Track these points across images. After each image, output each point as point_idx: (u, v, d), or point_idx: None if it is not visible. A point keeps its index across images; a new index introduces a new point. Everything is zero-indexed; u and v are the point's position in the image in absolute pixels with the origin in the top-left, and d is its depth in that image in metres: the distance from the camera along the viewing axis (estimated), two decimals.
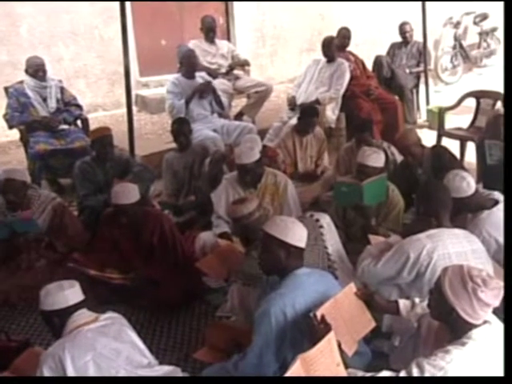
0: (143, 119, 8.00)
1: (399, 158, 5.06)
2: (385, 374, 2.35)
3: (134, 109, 6.98)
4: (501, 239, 3.56)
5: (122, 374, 2.65)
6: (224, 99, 6.47)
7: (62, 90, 6.11)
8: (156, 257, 4.18)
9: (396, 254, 3.23)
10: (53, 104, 5.97)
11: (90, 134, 5.37)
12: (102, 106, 8.38)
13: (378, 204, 4.20)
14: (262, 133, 6.36)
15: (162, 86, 7.86)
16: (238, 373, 2.80)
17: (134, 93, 7.25)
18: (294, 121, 6.34)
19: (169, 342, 3.73)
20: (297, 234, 2.85)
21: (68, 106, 6.09)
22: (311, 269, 2.96)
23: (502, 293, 2.34)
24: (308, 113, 5.78)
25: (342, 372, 2.29)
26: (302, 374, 2.15)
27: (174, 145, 5.47)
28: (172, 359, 3.46)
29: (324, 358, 2.24)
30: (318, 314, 2.58)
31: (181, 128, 5.30)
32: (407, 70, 7.82)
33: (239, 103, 7.65)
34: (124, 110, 6.08)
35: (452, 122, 6.84)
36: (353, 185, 4.11)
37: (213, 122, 6.30)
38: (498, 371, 2.27)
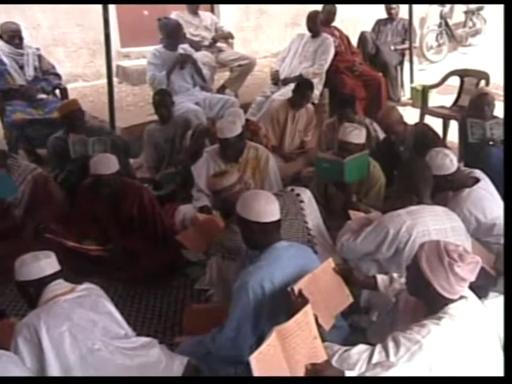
0: (124, 91, 7.89)
1: (381, 134, 5.05)
2: (361, 347, 2.36)
3: (115, 80, 6.87)
4: (481, 217, 3.59)
5: (99, 345, 2.64)
6: (206, 72, 6.38)
7: (40, 58, 5.95)
8: (135, 229, 4.14)
9: (376, 230, 3.24)
10: (30, 72, 5.83)
11: (58, 110, 5.17)
12: (82, 77, 8.22)
13: (359, 180, 4.19)
14: (245, 107, 6.29)
15: (143, 57, 7.73)
16: (216, 346, 2.80)
17: (114, 64, 7.11)
18: (278, 95, 6.33)
19: (147, 314, 3.73)
20: (257, 210, 2.78)
21: (46, 74, 5.95)
22: (290, 242, 2.95)
23: (478, 268, 2.36)
24: (303, 87, 5.73)
25: (318, 345, 2.29)
26: (278, 347, 2.14)
27: (155, 117, 5.42)
28: (150, 331, 3.46)
29: (301, 330, 2.23)
30: (296, 288, 2.57)
31: (162, 100, 5.24)
32: (392, 47, 7.78)
33: (222, 76, 7.56)
34: (104, 80, 5.98)
35: (436, 100, 6.84)
36: (334, 161, 4.09)
37: (195, 94, 6.22)
38: (474, 346, 2.28)
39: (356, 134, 4.22)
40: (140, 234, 4.14)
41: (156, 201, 4.35)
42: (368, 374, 1.75)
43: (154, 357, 2.80)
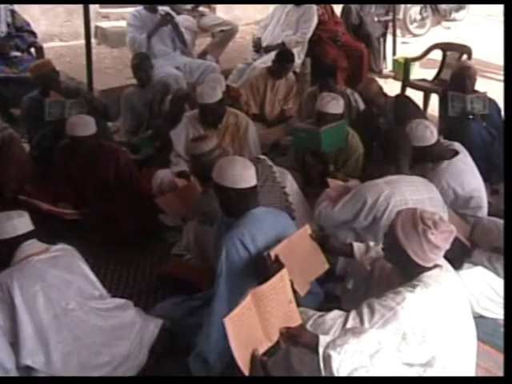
0: (103, 52, 7.71)
1: (362, 105, 5.03)
2: (335, 313, 2.38)
3: (94, 41, 6.74)
4: (459, 189, 3.62)
5: (73, 305, 2.63)
6: (187, 36, 6.30)
7: (13, 13, 5.78)
8: (111, 192, 4.09)
9: (353, 198, 3.24)
10: (2, 28, 5.65)
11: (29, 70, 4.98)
12: (59, 36, 8.00)
13: (336, 150, 4.18)
14: (226, 73, 6.23)
15: (123, 18, 7.58)
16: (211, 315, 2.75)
17: (93, 24, 6.96)
18: (259, 62, 6.26)
19: (122, 277, 3.71)
20: (232, 177, 2.76)
21: (20, 31, 5.77)
22: (268, 208, 2.94)
23: (452, 237, 2.37)
24: (284, 57, 5.68)
25: (293, 309, 2.30)
26: (253, 309, 2.14)
27: (134, 80, 5.33)
28: (125, 294, 3.43)
29: (276, 294, 2.23)
30: (272, 253, 2.58)
31: (141, 63, 5.17)
32: (375, 19, 7.72)
33: (203, 42, 7.45)
34: (82, 41, 5.82)
35: (418, 73, 6.83)
36: (310, 130, 4.09)
37: (175, 59, 6.14)
38: (447, 314, 2.31)
39: (334, 105, 4.21)
40: (116, 198, 4.09)
41: (133, 164, 4.31)
42: (338, 341, 1.75)
43: (128, 318, 2.81)
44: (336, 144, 4.13)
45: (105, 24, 8.21)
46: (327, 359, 1.73)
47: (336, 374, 1.66)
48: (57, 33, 7.97)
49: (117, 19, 8.24)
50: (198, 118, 4.44)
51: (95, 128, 3.99)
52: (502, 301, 3.18)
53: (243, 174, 2.79)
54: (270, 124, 5.64)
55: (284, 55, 5.71)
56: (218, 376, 2.71)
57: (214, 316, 2.69)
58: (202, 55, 7.05)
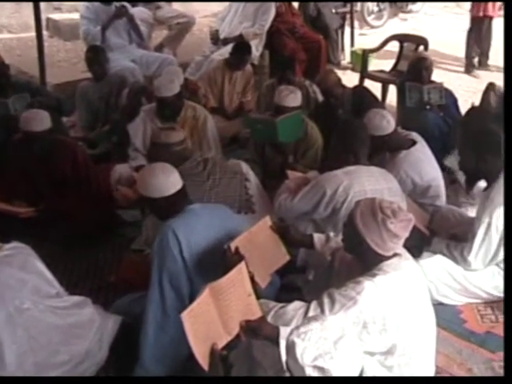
0: (56, 45, 7.55)
1: (321, 96, 5.05)
2: (296, 304, 2.38)
3: (45, 34, 6.57)
4: (417, 179, 3.66)
5: (28, 304, 2.56)
6: (143, 29, 6.22)
7: None
8: (68, 188, 4.01)
9: (313, 189, 3.24)
10: None
11: None
12: (7, 27, 7.80)
13: (296, 141, 4.18)
14: (183, 67, 6.16)
15: (76, 10, 7.42)
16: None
17: (44, 16, 6.78)
18: (217, 55, 6.22)
19: (80, 274, 3.65)
20: (158, 186, 2.74)
21: None
22: (202, 204, 2.94)
23: (411, 225, 2.39)
24: (241, 49, 5.67)
25: (253, 302, 2.28)
26: (211, 303, 2.12)
27: (90, 74, 5.25)
28: (83, 291, 3.36)
29: (234, 287, 2.21)
30: (232, 245, 2.56)
31: (95, 56, 5.09)
32: (333, 10, 7.75)
33: (160, 35, 7.37)
34: (33, 33, 5.69)
35: (375, 65, 6.89)
36: (266, 121, 4.09)
37: (131, 52, 6.07)
38: (407, 303, 2.32)
39: (291, 98, 4.21)
40: (73, 194, 4.01)
41: (90, 159, 4.23)
42: (302, 328, 1.75)
43: (87, 316, 2.76)
44: (293, 134, 4.14)
45: (57, 16, 8.03)
46: (291, 346, 1.73)
47: (300, 360, 1.67)
48: (5, 24, 7.77)
49: (69, 11, 8.07)
50: (155, 112, 4.40)
51: (50, 123, 3.90)
52: (460, 287, 3.24)
53: (168, 181, 2.77)
54: (229, 117, 5.61)
55: (241, 47, 5.70)
56: (218, 376, 2.70)
57: (148, 314, 2.68)
58: (159, 48, 6.96)
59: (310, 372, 1.67)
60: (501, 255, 3.17)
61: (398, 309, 2.29)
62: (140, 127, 4.41)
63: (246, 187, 3.45)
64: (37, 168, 4.01)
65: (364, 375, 1.78)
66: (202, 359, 2.07)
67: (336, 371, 1.67)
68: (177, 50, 7.12)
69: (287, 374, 2.06)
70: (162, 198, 2.75)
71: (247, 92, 5.78)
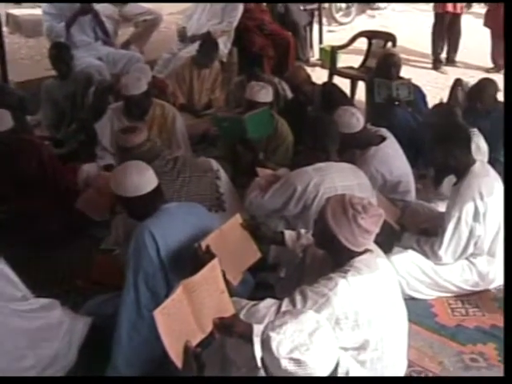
0: (17, 42, 7.39)
1: (290, 93, 5.05)
2: (268, 301, 2.37)
3: (5, 30, 6.42)
4: (387, 175, 3.68)
5: None
6: (109, 26, 6.12)
7: None
8: (34, 188, 3.92)
9: (283, 186, 3.23)
10: None
11: None
12: None
13: (266, 138, 4.18)
14: (151, 64, 6.08)
15: (38, 6, 7.21)
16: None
17: (3, 11, 6.63)
18: (184, 52, 6.16)
19: (49, 276, 3.56)
20: (132, 185, 2.69)
21: None
22: (178, 203, 2.91)
23: (381, 220, 2.39)
24: (208, 47, 5.63)
25: (226, 299, 2.27)
26: (184, 301, 2.10)
27: (54, 72, 5.14)
28: (52, 294, 3.28)
29: (208, 284, 2.20)
30: (203, 244, 2.53)
31: (60, 54, 5.00)
32: (301, 7, 7.75)
33: (126, 32, 7.25)
34: None
35: (344, 62, 6.91)
36: (233, 119, 4.10)
37: (97, 49, 5.99)
38: (379, 298, 2.33)
39: (263, 93, 4.22)
40: (39, 194, 3.92)
41: (57, 159, 4.16)
42: (277, 322, 1.74)
43: (55, 318, 2.71)
44: (263, 130, 4.13)
45: (17, 11, 7.82)
46: (266, 340, 1.72)
47: (276, 353, 1.66)
48: None
49: (31, 6, 7.82)
50: (123, 110, 4.34)
51: (12, 122, 3.82)
52: (430, 282, 3.26)
53: (142, 180, 2.72)
54: (198, 114, 5.56)
55: (208, 44, 5.67)
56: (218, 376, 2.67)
57: (122, 315, 2.64)
58: (126, 45, 6.86)
59: (286, 364, 1.66)
60: (470, 249, 3.21)
61: (370, 304, 2.30)
62: (107, 126, 4.36)
63: (216, 185, 3.42)
64: (0, 168, 3.91)
65: (340, 369, 1.79)
66: (176, 357, 2.05)
67: (312, 363, 1.66)
68: (144, 47, 7.04)
69: (261, 372, 2.05)
70: (136, 197, 2.70)
71: (216, 89, 5.75)
